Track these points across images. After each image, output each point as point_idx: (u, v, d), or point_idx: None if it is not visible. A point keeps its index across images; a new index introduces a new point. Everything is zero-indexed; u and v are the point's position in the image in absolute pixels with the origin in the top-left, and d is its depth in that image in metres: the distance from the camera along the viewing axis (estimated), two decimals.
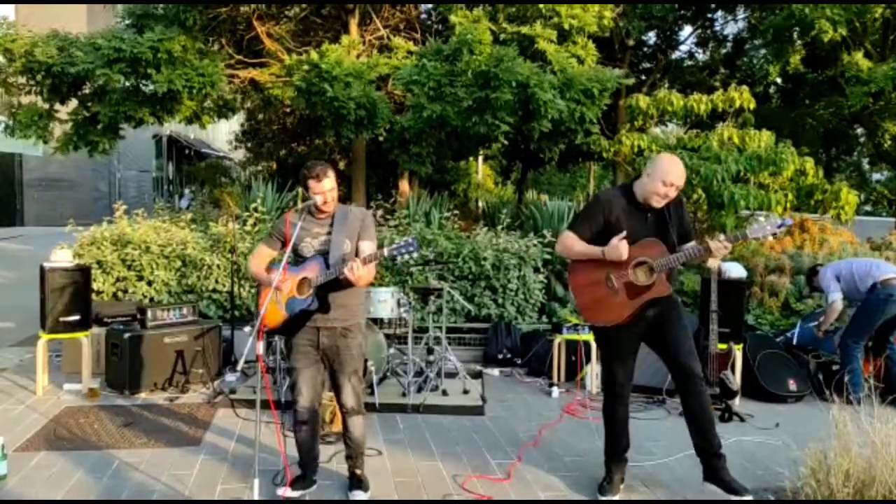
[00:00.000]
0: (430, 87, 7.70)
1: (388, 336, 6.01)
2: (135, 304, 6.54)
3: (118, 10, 9.49)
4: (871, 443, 3.35)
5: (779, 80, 13.85)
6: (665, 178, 3.53)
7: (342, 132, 8.26)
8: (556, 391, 5.90)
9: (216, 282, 7.32)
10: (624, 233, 3.56)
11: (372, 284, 4.85)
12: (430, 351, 5.96)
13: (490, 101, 7.49)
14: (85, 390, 5.49)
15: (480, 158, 15.71)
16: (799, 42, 10.76)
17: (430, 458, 4.37)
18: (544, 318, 7.46)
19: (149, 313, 5.73)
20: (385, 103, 8.39)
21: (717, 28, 13.87)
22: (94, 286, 6.80)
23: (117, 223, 7.60)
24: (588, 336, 6.01)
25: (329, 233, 3.60)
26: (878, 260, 6.12)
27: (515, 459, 4.36)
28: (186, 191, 21.54)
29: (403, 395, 5.50)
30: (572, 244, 3.73)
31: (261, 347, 3.37)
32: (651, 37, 13.32)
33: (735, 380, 5.43)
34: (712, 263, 5.36)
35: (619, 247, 3.53)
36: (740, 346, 5.67)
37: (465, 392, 5.75)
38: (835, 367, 5.92)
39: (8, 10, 10.04)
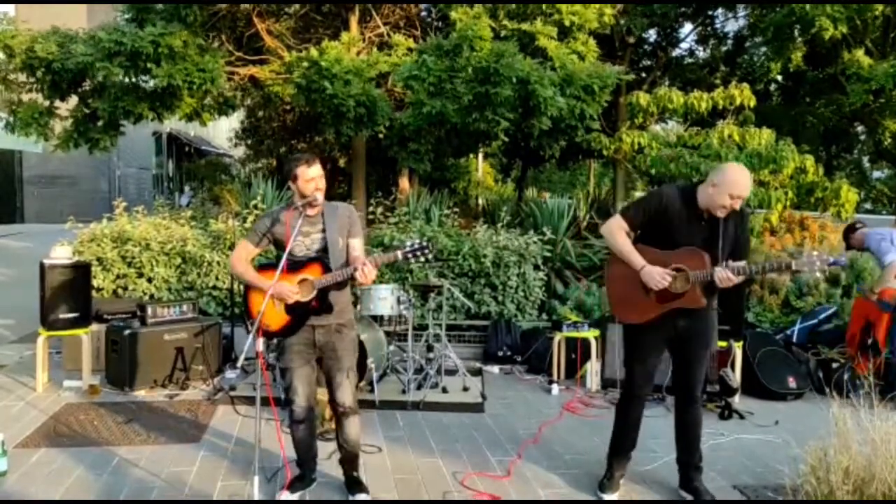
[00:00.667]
0: (430, 83, 7.69)
1: (388, 333, 6.01)
2: (135, 301, 6.53)
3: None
4: (870, 440, 3.35)
5: (779, 78, 13.84)
6: (733, 190, 3.39)
7: (342, 129, 8.26)
8: (555, 388, 5.90)
9: (216, 279, 7.32)
10: (668, 256, 3.52)
11: (372, 282, 4.82)
12: (430, 348, 5.96)
13: (490, 98, 7.48)
14: (85, 387, 5.49)
15: (480, 156, 15.74)
16: (799, 40, 10.75)
17: (430, 455, 4.38)
18: (544, 316, 7.46)
19: (149, 310, 5.73)
20: (385, 101, 8.38)
21: (718, 25, 13.86)
22: (94, 283, 6.80)
23: (117, 220, 7.59)
24: (588, 333, 6.01)
25: (322, 230, 3.57)
26: None
27: (515, 457, 4.36)
28: (186, 188, 21.54)
29: (403, 392, 5.50)
30: (618, 238, 3.64)
31: (261, 344, 3.34)
32: (652, 34, 13.31)
33: (735, 377, 5.43)
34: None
35: (658, 278, 3.48)
36: (740, 343, 5.67)
37: (465, 389, 5.76)
38: (834, 365, 5.92)
39: (8, 8, 9.99)
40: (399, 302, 5.73)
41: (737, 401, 5.41)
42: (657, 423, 4.95)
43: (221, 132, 25.92)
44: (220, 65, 8.44)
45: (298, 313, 3.53)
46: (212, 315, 7.02)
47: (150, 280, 7.32)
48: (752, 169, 7.97)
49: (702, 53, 14.35)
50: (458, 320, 7.23)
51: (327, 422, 4.51)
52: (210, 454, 4.28)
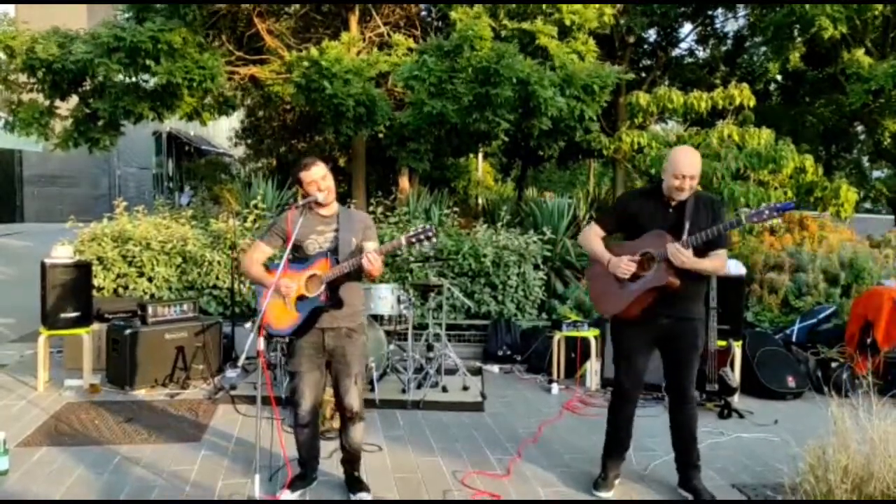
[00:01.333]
0: (431, 84, 7.70)
1: (388, 333, 6.02)
2: (135, 301, 6.54)
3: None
4: (869, 439, 3.36)
5: (779, 78, 13.86)
6: (675, 170, 3.56)
7: (341, 129, 8.26)
8: (555, 388, 5.91)
9: (216, 278, 7.33)
10: (637, 255, 3.62)
11: (373, 281, 4.83)
12: (429, 347, 5.97)
13: (490, 98, 7.49)
14: (86, 386, 5.50)
15: (480, 155, 15.73)
16: (799, 39, 10.77)
17: (429, 454, 4.39)
18: (544, 315, 7.47)
19: (149, 309, 5.74)
20: (384, 100, 8.38)
21: (718, 25, 13.87)
22: (95, 282, 6.80)
23: (118, 220, 7.61)
24: (588, 333, 6.02)
25: (336, 230, 3.58)
26: None
27: (515, 456, 4.37)
28: (187, 187, 21.53)
29: (403, 391, 5.51)
30: (590, 240, 3.86)
31: (261, 344, 3.33)
32: (651, 34, 13.31)
33: (734, 377, 5.44)
34: None
35: (622, 266, 3.61)
36: (740, 343, 5.68)
37: (465, 389, 5.77)
38: (833, 365, 5.93)
39: (8, 9, 9.99)
40: (399, 301, 5.74)
41: (736, 400, 5.42)
42: (655, 423, 4.96)
43: (221, 132, 25.92)
44: (220, 63, 8.43)
45: (309, 311, 3.51)
46: (212, 314, 7.03)
47: (150, 279, 7.33)
48: (752, 169, 7.99)
49: (701, 53, 14.36)
50: (458, 320, 7.24)
51: (328, 421, 4.53)
52: (211, 453, 4.29)
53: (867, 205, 18.82)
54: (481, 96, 7.53)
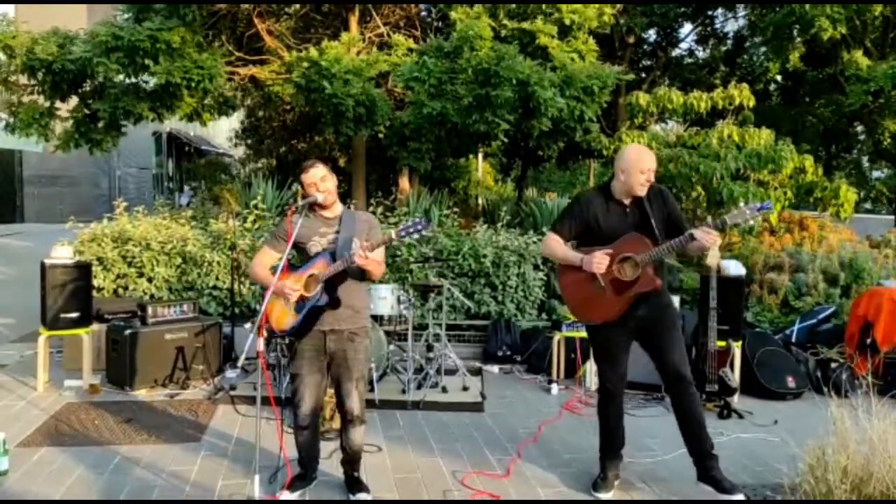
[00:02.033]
0: (431, 84, 7.70)
1: (388, 333, 6.02)
2: (135, 301, 6.55)
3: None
4: (868, 439, 3.36)
5: (779, 78, 13.87)
6: (641, 166, 3.60)
7: (341, 129, 8.26)
8: (555, 388, 5.91)
9: (216, 278, 7.33)
10: (609, 249, 3.61)
11: (373, 281, 4.83)
12: (429, 348, 5.97)
13: (490, 99, 7.50)
14: (86, 387, 5.50)
15: (480, 156, 15.72)
16: (799, 40, 10.78)
17: (429, 454, 4.39)
18: (544, 316, 7.47)
19: (149, 310, 5.74)
20: (384, 100, 8.39)
21: (718, 26, 13.90)
22: (95, 283, 6.80)
23: (118, 220, 7.61)
24: (587, 333, 6.01)
25: (337, 232, 3.59)
26: None
27: (515, 456, 4.37)
28: (186, 188, 21.53)
29: (403, 391, 5.51)
30: (554, 248, 3.80)
31: (261, 344, 3.33)
32: (651, 34, 13.34)
33: (734, 377, 5.44)
34: (711, 261, 5.37)
35: (595, 261, 3.58)
36: (739, 343, 5.68)
37: (465, 389, 5.77)
38: (833, 365, 5.93)
39: (7, 9, 10.00)
40: (399, 301, 5.75)
41: (736, 400, 5.42)
42: (655, 423, 4.97)
43: (221, 132, 25.91)
44: (220, 63, 8.43)
45: (306, 311, 3.51)
46: (212, 315, 7.03)
47: (150, 280, 7.33)
48: (752, 169, 7.98)
49: (701, 53, 14.39)
50: (457, 320, 7.25)
51: (328, 421, 4.53)
52: (210, 453, 4.29)
53: (867, 205, 18.84)
54: (481, 97, 7.53)
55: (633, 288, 3.60)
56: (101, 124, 8.68)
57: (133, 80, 8.36)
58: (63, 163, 21.53)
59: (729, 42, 13.91)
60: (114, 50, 7.63)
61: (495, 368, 6.61)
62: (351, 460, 3.75)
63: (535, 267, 7.52)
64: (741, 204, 3.51)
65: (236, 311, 6.88)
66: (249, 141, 16.70)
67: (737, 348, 5.62)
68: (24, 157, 22.98)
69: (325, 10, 10.73)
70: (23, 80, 8.54)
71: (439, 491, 3.84)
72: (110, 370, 5.74)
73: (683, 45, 14.12)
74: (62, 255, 5.66)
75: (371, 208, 8.70)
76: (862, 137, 15.47)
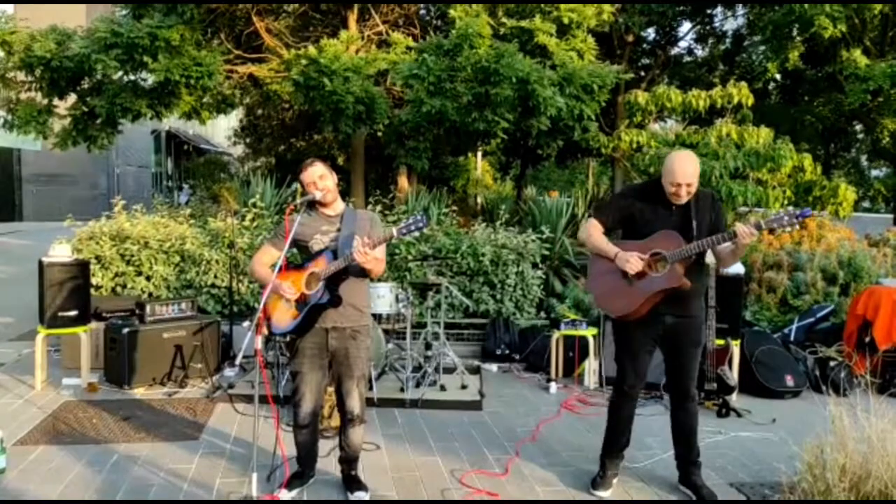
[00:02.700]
0: (430, 82, 7.69)
1: (386, 331, 6.02)
2: (133, 300, 6.54)
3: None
4: (867, 438, 3.36)
5: (778, 77, 13.85)
6: (670, 178, 3.55)
7: (340, 127, 8.25)
8: (553, 387, 5.91)
9: (215, 277, 7.32)
10: (641, 243, 3.60)
11: (373, 280, 4.83)
12: (428, 346, 5.97)
13: (490, 97, 7.49)
14: (84, 385, 5.50)
15: (479, 154, 15.73)
16: (798, 38, 10.76)
17: (428, 452, 4.39)
18: (542, 314, 7.47)
19: (147, 308, 5.74)
20: (383, 98, 8.38)
21: (717, 24, 13.88)
22: (93, 281, 6.79)
23: (116, 218, 7.60)
24: (586, 332, 6.02)
25: (339, 230, 3.58)
26: None
27: (513, 454, 4.37)
28: (185, 186, 21.53)
29: (402, 390, 5.51)
30: (592, 234, 3.78)
31: (259, 342, 3.33)
32: (650, 33, 13.33)
33: (732, 375, 5.44)
34: (710, 260, 5.37)
35: (631, 261, 3.54)
36: (738, 341, 5.68)
37: (464, 387, 5.77)
38: (832, 363, 5.93)
39: (7, 8, 9.98)
40: (398, 300, 5.74)
41: (734, 399, 5.42)
42: (655, 421, 4.97)
43: (220, 130, 25.92)
44: (218, 60, 8.41)
45: (309, 309, 3.50)
46: (210, 313, 7.02)
47: (148, 278, 7.32)
48: (751, 168, 7.98)
49: (700, 52, 14.37)
50: (456, 318, 7.24)
51: (327, 419, 4.52)
52: (208, 452, 4.29)
53: (866, 204, 18.86)
54: (480, 95, 7.52)
55: (660, 284, 3.56)
56: (98, 121, 8.66)
57: (131, 77, 8.34)
58: (62, 161, 21.51)
59: (728, 41, 13.90)
60: (112, 47, 7.60)
61: (494, 367, 6.61)
62: (349, 459, 3.75)
63: (534, 266, 7.52)
64: (781, 210, 3.47)
65: (235, 309, 6.87)
66: (248, 139, 16.70)
67: (735, 347, 5.62)
68: (23, 156, 22.97)
69: (324, 8, 10.72)
70: (21, 77, 8.51)
71: (438, 489, 3.84)
72: (108, 368, 5.73)
73: (682, 44, 14.11)
74: (60, 253, 5.65)
75: (370, 206, 8.70)
76: (861, 136, 15.49)
